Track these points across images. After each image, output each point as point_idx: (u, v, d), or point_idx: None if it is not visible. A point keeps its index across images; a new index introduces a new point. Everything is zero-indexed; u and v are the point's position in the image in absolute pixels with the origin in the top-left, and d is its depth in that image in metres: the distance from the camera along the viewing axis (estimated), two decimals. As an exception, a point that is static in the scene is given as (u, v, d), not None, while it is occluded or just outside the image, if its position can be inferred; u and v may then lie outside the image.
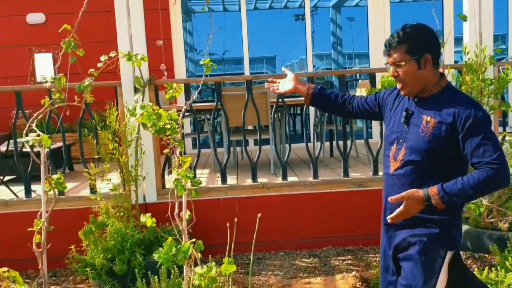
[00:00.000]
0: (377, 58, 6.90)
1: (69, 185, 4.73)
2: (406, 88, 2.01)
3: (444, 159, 1.94)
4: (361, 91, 5.49)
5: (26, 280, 3.74)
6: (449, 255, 1.99)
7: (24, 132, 2.98)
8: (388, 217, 1.98)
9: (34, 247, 2.87)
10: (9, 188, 4.31)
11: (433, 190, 1.88)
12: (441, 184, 1.88)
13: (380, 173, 4.14)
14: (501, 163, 1.82)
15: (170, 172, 4.33)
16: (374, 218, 2.53)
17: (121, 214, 3.66)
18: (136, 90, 4.01)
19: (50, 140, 2.70)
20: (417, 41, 1.94)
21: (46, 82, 3.20)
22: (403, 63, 1.95)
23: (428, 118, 1.95)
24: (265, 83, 2.59)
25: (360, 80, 6.04)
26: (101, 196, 3.62)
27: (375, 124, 6.63)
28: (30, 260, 3.24)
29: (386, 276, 2.14)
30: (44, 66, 6.77)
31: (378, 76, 4.15)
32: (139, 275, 3.22)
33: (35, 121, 3.06)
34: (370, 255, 3.93)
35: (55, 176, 2.86)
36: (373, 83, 4.15)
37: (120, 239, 3.42)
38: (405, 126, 2.03)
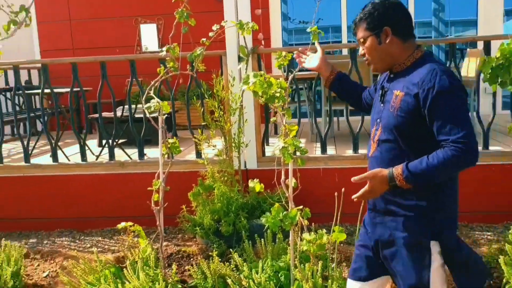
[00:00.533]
0: (489, 24, 6.44)
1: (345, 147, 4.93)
2: (372, 64, 1.96)
3: (417, 138, 1.80)
4: (469, 61, 5.17)
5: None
6: (435, 245, 1.84)
7: (144, 98, 3.21)
8: (354, 196, 1.87)
9: (152, 205, 3.12)
10: (124, 150, 4.66)
11: (397, 170, 1.76)
12: (406, 163, 1.76)
13: None
14: (468, 142, 1.67)
15: (266, 141, 4.44)
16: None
17: (225, 178, 3.83)
18: (239, 59, 4.11)
19: (169, 107, 2.87)
20: (374, 16, 1.88)
21: (162, 51, 3.39)
22: (363, 40, 1.92)
23: (397, 92, 1.83)
24: (294, 53, 2.50)
25: (468, 49, 5.65)
26: (208, 161, 3.81)
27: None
28: (143, 217, 3.54)
29: (362, 250, 2.06)
30: (148, 36, 7.13)
31: (494, 45, 3.87)
32: (245, 236, 3.39)
33: (152, 88, 3.27)
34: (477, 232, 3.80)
35: (170, 140, 3.06)
36: (487, 51, 3.89)
37: (225, 202, 3.59)
38: (381, 104, 1.94)
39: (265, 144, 4.29)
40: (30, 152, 4.59)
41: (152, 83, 3.30)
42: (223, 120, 3.83)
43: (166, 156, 3.13)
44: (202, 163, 3.81)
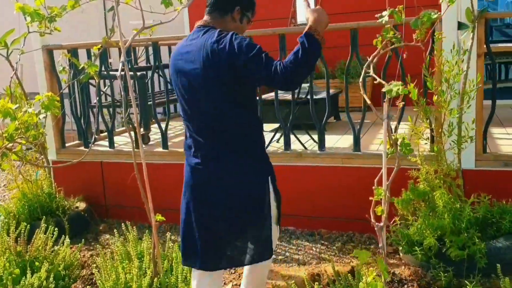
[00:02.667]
0: None
1: (334, 137, 4.25)
2: None
3: None
4: None
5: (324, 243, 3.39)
6: None
7: (362, 77, 2.45)
8: None
9: (372, 219, 2.38)
10: (298, 138, 4.00)
11: None
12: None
13: None
14: None
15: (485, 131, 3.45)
16: None
17: (443, 182, 2.97)
18: (460, 26, 3.17)
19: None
20: None
21: (382, 17, 2.59)
22: None
23: None
24: None
25: None
26: (423, 158, 2.97)
27: None
28: (318, 217, 2.77)
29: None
30: (303, 7, 6.39)
31: None
32: (482, 263, 2.52)
33: (371, 66, 2.49)
34: None
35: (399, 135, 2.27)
36: None
37: (451, 215, 2.74)
38: None
39: (486, 136, 3.32)
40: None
41: (370, 58, 2.53)
42: (442, 102, 2.94)
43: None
44: (414, 161, 2.98)
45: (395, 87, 2.03)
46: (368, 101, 2.33)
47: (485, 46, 3.17)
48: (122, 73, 2.57)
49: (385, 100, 2.35)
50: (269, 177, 2.09)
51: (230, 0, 2.07)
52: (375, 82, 2.47)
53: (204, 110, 2.00)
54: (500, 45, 4.62)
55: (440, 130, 3.05)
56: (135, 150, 2.67)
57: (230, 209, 2.02)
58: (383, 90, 2.12)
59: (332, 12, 5.88)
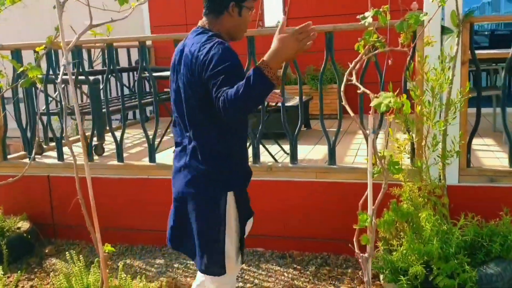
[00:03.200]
0: None
1: (306, 148, 3.96)
2: None
3: None
4: None
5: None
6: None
7: (344, 84, 2.15)
8: None
9: (356, 249, 2.08)
10: (267, 150, 3.67)
11: None
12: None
13: None
14: None
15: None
16: None
17: (427, 200, 2.71)
18: (444, 31, 2.93)
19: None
20: None
21: (364, 18, 2.30)
22: None
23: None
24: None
25: None
26: (405, 174, 2.70)
27: None
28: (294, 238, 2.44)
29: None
30: (271, 9, 6.09)
31: None
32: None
33: (353, 72, 2.20)
34: None
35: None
36: None
37: (438, 239, 2.47)
38: None
39: (470, 149, 3.09)
40: (156, 147, 3.74)
41: (352, 64, 2.23)
42: (427, 113, 2.68)
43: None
44: (396, 177, 2.70)
45: (386, 99, 1.73)
46: (351, 113, 2.03)
47: (469, 52, 2.94)
48: (65, 77, 2.22)
49: (371, 112, 2.06)
50: (231, 192, 1.96)
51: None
52: (358, 91, 2.19)
53: (181, 112, 1.96)
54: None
55: (423, 143, 2.79)
56: (82, 163, 2.28)
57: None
58: (371, 104, 1.82)
59: (303, 15, 5.60)
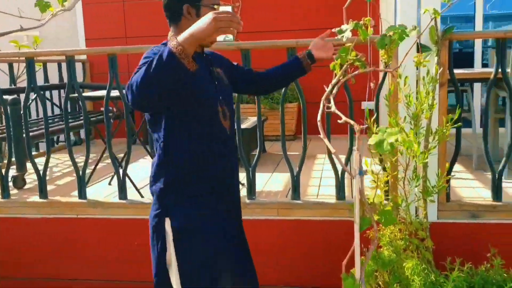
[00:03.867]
0: None
1: (263, 177, 3.54)
2: None
3: None
4: None
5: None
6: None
7: (321, 112, 1.72)
8: None
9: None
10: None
11: None
12: None
13: None
14: None
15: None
16: None
17: (408, 244, 2.33)
18: (423, 49, 2.60)
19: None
20: None
21: (341, 32, 1.90)
22: None
23: (218, 69, 1.94)
24: None
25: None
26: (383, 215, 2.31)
27: None
28: None
29: None
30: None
31: None
32: None
33: (331, 98, 1.78)
34: None
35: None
36: None
37: (428, 294, 2.08)
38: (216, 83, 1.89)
39: (450, 181, 2.76)
40: (87, 179, 3.16)
41: (329, 88, 1.82)
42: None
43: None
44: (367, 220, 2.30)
45: (390, 136, 1.31)
46: (332, 150, 1.61)
47: (448, 72, 2.63)
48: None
49: (355, 148, 1.65)
50: (169, 218, 1.76)
51: (173, 4, 1.78)
52: (339, 121, 1.77)
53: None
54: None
55: (402, 177, 2.41)
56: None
57: None
58: (369, 143, 1.40)
59: (258, 29, 5.16)
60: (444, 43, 2.56)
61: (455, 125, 2.25)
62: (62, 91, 5.28)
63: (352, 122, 1.63)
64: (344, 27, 1.90)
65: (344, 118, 1.68)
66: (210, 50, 2.00)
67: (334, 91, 1.82)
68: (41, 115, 4.91)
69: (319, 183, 3.37)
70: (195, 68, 1.44)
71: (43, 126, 3.58)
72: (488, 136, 2.77)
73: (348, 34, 1.87)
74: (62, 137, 5.29)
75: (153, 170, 1.80)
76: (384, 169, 2.57)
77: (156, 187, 1.78)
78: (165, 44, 1.70)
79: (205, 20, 1.39)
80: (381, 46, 1.96)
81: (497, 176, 2.69)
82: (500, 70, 2.59)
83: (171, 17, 1.79)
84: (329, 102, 1.76)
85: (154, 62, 1.42)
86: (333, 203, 2.82)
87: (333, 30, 1.92)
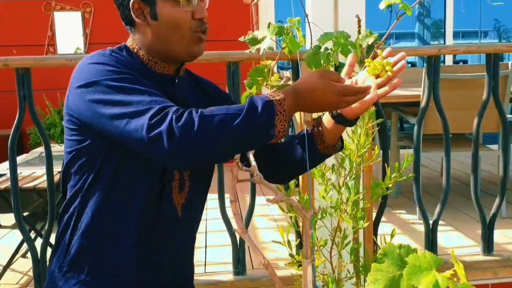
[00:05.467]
0: None
1: None
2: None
3: None
4: None
5: None
6: None
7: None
8: None
9: None
10: None
11: None
12: None
13: None
14: None
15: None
16: None
17: None
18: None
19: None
20: None
21: (255, 42, 1.12)
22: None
23: None
24: None
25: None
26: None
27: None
28: None
29: None
30: (68, 30, 4.56)
31: None
32: None
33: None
34: None
35: None
36: None
37: None
38: None
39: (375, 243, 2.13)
40: None
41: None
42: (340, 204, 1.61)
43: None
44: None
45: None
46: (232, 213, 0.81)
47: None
48: None
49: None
50: None
51: None
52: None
53: None
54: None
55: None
56: None
57: None
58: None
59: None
60: (376, 55, 1.95)
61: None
62: None
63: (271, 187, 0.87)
64: (258, 33, 1.13)
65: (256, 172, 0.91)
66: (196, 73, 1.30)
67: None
68: None
69: (205, 246, 2.56)
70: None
71: None
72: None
73: (267, 43, 1.10)
74: None
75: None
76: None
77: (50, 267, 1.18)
78: (121, 50, 1.15)
79: (327, 97, 0.99)
80: (315, 64, 1.23)
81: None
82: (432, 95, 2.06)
83: (123, 18, 1.17)
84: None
85: (244, 114, 0.94)
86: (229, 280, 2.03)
87: (240, 39, 1.13)
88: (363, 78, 1.11)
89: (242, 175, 1.00)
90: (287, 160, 1.25)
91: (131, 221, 1.11)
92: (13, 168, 1.90)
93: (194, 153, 0.93)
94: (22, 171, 2.72)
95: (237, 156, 1.03)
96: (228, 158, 1.04)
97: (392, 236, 1.62)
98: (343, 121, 1.12)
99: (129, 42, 1.17)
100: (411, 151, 2.14)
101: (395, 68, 1.08)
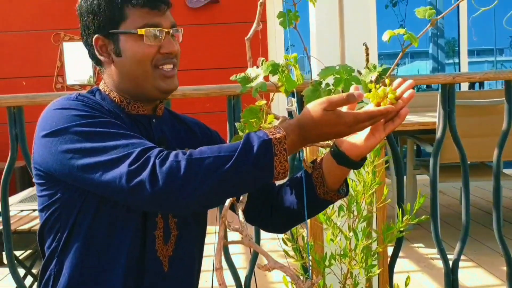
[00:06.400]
0: None
1: None
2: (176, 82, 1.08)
3: None
4: None
5: None
6: None
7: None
8: None
9: None
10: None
11: None
12: None
13: None
14: None
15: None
16: None
17: None
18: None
19: None
20: None
21: (245, 81, 1.02)
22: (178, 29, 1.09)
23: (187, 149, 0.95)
24: None
25: None
26: None
27: None
28: None
29: None
30: (77, 60, 4.55)
31: None
32: None
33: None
34: None
35: None
36: None
37: None
38: None
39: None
40: None
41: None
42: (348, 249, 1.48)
43: None
44: None
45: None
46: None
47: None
48: None
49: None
50: None
51: (83, 33, 1.08)
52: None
53: None
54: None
55: None
56: None
57: None
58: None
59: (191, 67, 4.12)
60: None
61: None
62: None
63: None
64: (251, 72, 1.03)
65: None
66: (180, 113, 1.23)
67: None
68: None
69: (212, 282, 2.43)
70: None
71: None
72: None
73: (260, 83, 0.99)
74: None
75: None
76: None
77: None
78: (92, 93, 1.08)
79: (336, 130, 0.88)
80: (314, 96, 1.12)
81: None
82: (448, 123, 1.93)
83: (91, 58, 1.10)
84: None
85: (238, 153, 0.84)
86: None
87: (231, 77, 1.03)
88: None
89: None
90: (282, 206, 1.13)
91: (111, 282, 0.99)
92: (5, 211, 1.81)
93: (179, 201, 0.83)
94: (23, 209, 2.64)
95: (226, 205, 0.91)
96: (221, 203, 0.95)
97: (406, 284, 1.48)
98: (345, 162, 0.98)
99: (101, 85, 1.09)
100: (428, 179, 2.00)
101: (404, 96, 0.96)
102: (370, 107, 1.00)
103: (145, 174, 0.82)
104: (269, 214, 1.14)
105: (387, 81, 1.08)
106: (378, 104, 0.96)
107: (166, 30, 1.03)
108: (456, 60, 6.53)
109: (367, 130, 0.95)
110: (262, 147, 0.84)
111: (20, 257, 2.54)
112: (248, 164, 0.83)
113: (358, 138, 0.96)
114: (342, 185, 1.07)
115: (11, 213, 1.90)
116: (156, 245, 1.02)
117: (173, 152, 0.85)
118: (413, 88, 0.98)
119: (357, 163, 0.99)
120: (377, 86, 0.97)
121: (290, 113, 2.06)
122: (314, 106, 0.88)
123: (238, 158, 0.83)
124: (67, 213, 0.98)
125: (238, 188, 0.88)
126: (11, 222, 1.87)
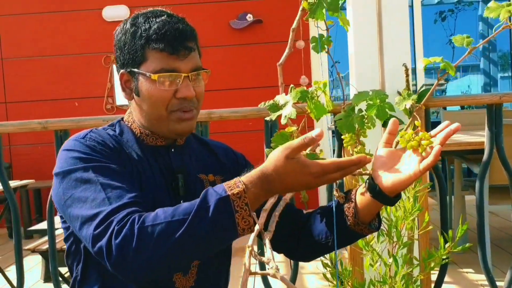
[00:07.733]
0: None
1: None
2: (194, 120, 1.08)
3: None
4: None
5: None
6: None
7: None
8: None
9: None
10: None
11: None
12: None
13: None
14: None
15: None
16: None
17: None
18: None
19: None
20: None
21: (274, 108, 1.02)
22: (198, 71, 1.06)
23: (209, 177, 1.11)
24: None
25: None
26: None
27: None
28: None
29: None
30: (125, 82, 4.71)
31: None
32: None
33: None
34: None
35: None
36: None
37: None
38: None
39: None
40: None
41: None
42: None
43: None
44: None
45: None
46: None
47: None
48: None
49: None
50: None
51: (118, 65, 1.10)
52: None
53: None
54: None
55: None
56: None
57: None
58: None
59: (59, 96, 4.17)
60: (419, 112, 1.78)
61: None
62: None
63: None
64: (280, 99, 1.03)
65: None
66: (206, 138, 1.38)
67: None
68: None
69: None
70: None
71: None
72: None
73: (289, 111, 0.99)
74: None
75: None
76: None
77: None
78: (112, 125, 1.12)
79: (301, 180, 0.85)
80: (347, 129, 1.10)
81: None
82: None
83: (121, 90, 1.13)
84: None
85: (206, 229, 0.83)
86: None
87: (260, 105, 1.03)
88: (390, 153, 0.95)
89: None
90: (310, 235, 1.10)
91: None
92: (51, 229, 1.88)
93: (136, 271, 0.84)
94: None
95: (253, 233, 0.89)
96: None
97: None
98: (380, 197, 0.94)
99: (126, 115, 1.12)
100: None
101: (440, 136, 0.92)
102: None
103: (103, 241, 0.84)
104: (296, 243, 1.12)
105: (416, 123, 1.05)
106: (412, 148, 0.92)
107: (185, 74, 1.01)
108: (510, 74, 6.26)
109: (403, 167, 0.91)
110: (219, 206, 0.82)
111: (66, 275, 2.62)
112: (203, 227, 0.82)
113: (394, 174, 0.92)
114: (375, 218, 1.04)
115: (57, 232, 1.96)
116: (173, 277, 1.02)
117: (133, 217, 0.85)
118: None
119: (391, 200, 0.95)
120: (410, 132, 0.94)
121: (333, 131, 2.03)
122: (277, 155, 0.85)
123: (192, 222, 0.82)
124: (80, 246, 1.02)
125: (201, 249, 0.86)
126: (57, 241, 1.93)
